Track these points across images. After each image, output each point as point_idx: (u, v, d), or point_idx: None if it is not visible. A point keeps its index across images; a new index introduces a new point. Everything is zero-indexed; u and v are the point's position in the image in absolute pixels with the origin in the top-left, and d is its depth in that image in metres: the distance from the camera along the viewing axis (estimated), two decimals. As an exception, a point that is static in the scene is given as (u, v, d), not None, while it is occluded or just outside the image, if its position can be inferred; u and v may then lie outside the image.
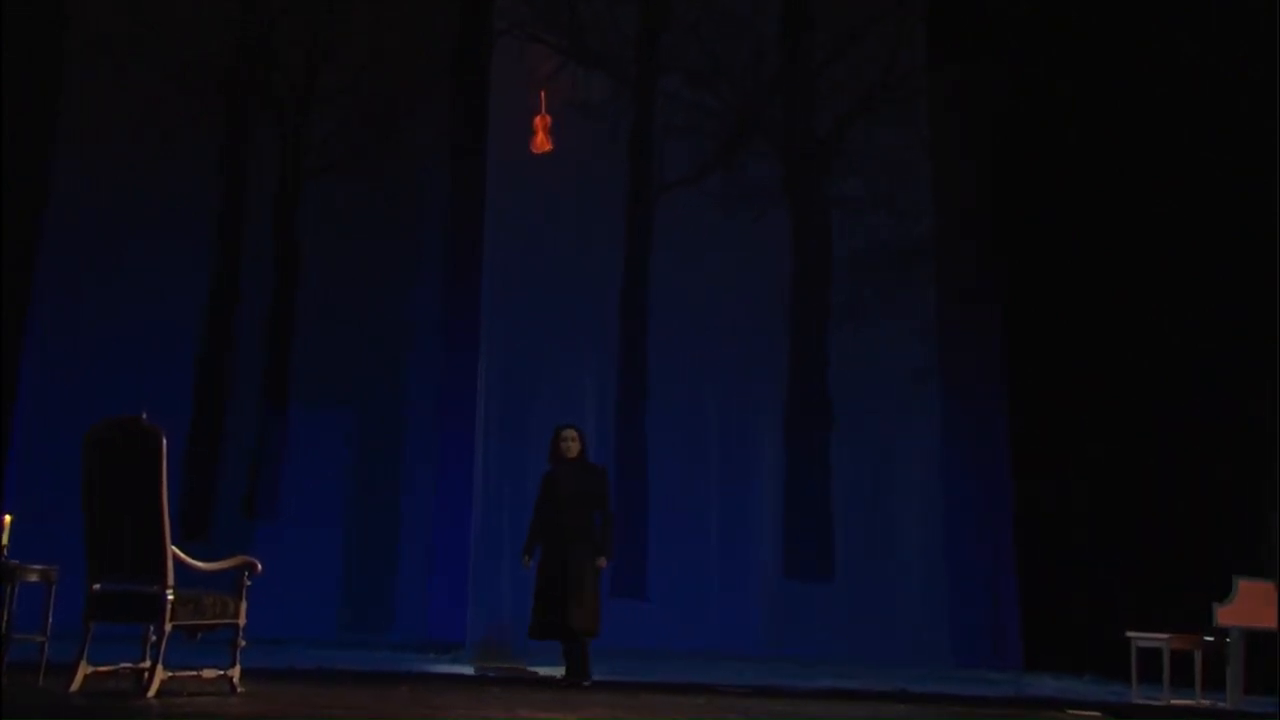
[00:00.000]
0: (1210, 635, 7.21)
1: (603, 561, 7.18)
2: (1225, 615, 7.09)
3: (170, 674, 5.30)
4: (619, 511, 10.61)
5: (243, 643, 5.60)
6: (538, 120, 10.60)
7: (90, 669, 5.33)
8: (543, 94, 10.51)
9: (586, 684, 6.99)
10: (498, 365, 10.59)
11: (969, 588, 10.12)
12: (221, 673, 5.52)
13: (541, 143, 10.56)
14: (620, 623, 10.08)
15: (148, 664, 5.37)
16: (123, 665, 5.51)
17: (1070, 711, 6.68)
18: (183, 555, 5.38)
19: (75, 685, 5.26)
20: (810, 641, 10.04)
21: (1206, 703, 7.24)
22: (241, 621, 5.59)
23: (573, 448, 7.36)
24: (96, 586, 5.40)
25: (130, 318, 10.37)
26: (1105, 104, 9.42)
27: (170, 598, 5.26)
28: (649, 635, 9.93)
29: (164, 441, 5.31)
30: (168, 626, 5.26)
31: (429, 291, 10.87)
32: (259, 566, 5.66)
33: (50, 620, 5.79)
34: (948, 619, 10.11)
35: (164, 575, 5.26)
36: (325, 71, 11.15)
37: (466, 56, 11.02)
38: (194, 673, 5.45)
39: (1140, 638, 7.43)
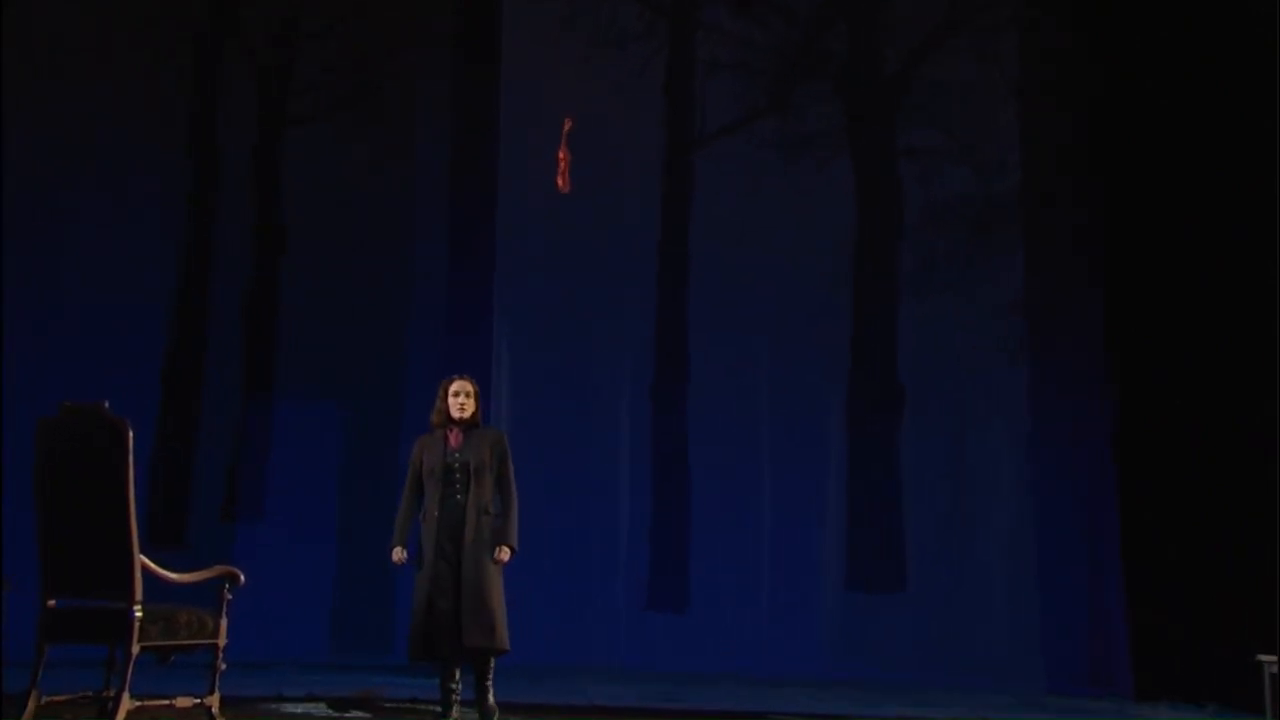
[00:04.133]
0: (1358, 658, 7.08)
1: (505, 554, 6.44)
2: (1374, 633, 6.96)
3: (138, 703, 5.29)
4: (656, 509, 10.78)
5: (223, 666, 5.62)
6: (561, 154, 10.51)
7: (44, 699, 5.32)
8: (567, 123, 10.42)
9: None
10: (513, 347, 10.56)
11: (1066, 600, 9.99)
12: (198, 701, 5.53)
13: (562, 179, 10.48)
14: (656, 641, 10.32)
15: (111, 692, 5.34)
16: (82, 694, 5.49)
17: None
18: (153, 565, 5.35)
19: (26, 717, 5.25)
20: (877, 662, 10.00)
21: (1354, 737, 7.12)
22: (221, 641, 5.58)
23: (467, 406, 6.60)
24: (51, 602, 5.38)
25: (89, 296, 10.37)
26: (1229, 35, 9.18)
27: (138, 614, 5.24)
28: (689, 655, 9.98)
29: (130, 434, 5.28)
30: (135, 648, 5.23)
31: (433, 262, 10.87)
32: (241, 578, 5.67)
33: (-4, 642, 5.78)
34: (1040, 637, 9.98)
35: (131, 588, 5.24)
36: (308, 2, 11.08)
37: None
38: (166, 702, 5.44)
39: (1274, 662, 7.31)
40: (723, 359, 10.78)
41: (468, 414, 6.59)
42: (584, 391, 10.62)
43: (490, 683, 6.45)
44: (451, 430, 6.59)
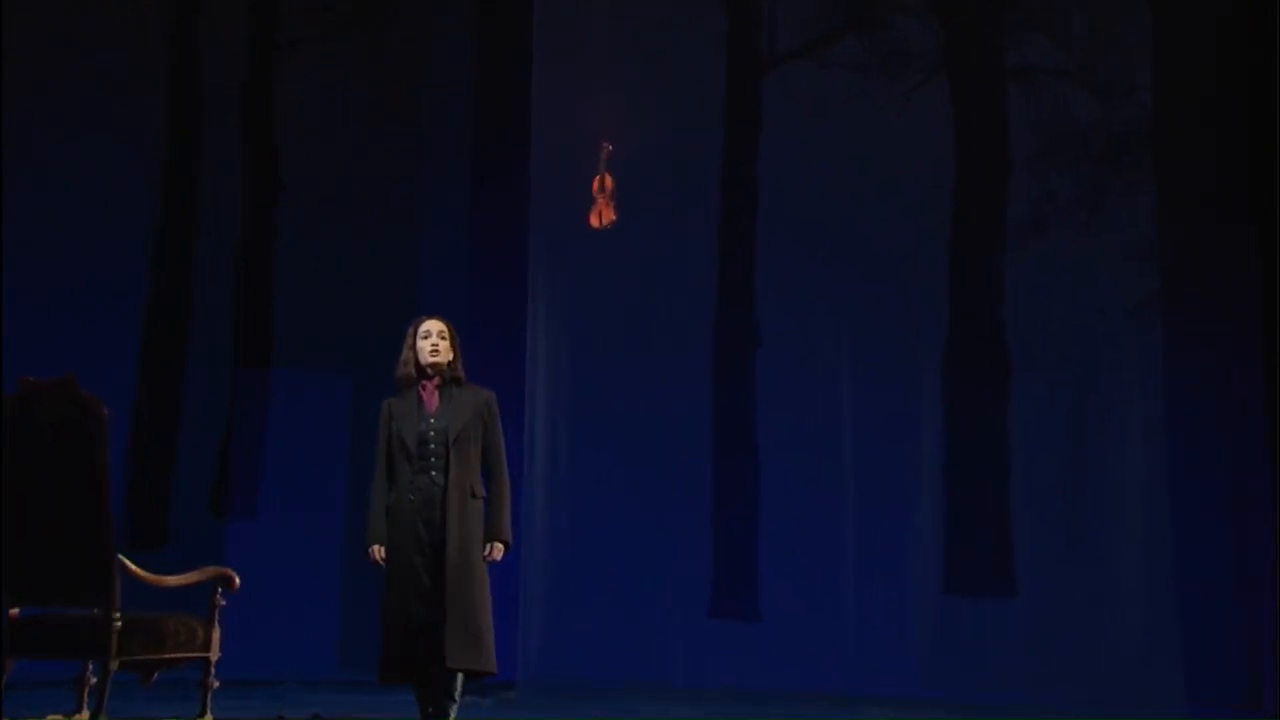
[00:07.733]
0: None
1: (498, 553, 6.10)
2: None
3: (118, 729, 5.28)
4: (718, 499, 10.76)
5: (215, 683, 5.64)
6: (597, 184, 10.54)
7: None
8: (605, 146, 10.39)
9: None
10: (551, 308, 10.54)
11: (1209, 605, 9.84)
12: (187, 726, 5.51)
13: (604, 213, 10.42)
14: (722, 652, 10.37)
15: (86, 715, 5.37)
16: (51, 717, 5.47)
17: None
18: (134, 567, 5.39)
19: (-12, 745, 5.28)
20: (981, 679, 9.98)
21: None
22: (213, 655, 5.64)
23: (441, 348, 6.13)
24: (15, 612, 5.39)
25: (54, 256, 10.35)
26: None
27: (117, 624, 5.24)
28: (760, 669, 10.03)
29: (105, 413, 5.33)
30: (114, 663, 5.26)
31: (453, 209, 10.77)
32: (235, 581, 5.65)
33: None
34: (1179, 649, 9.85)
35: (108, 593, 5.26)
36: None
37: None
38: (150, 726, 5.45)
39: None
40: (797, 321, 10.77)
41: (440, 358, 6.11)
42: (634, 359, 10.60)
43: (455, 705, 6.05)
44: (425, 388, 6.15)
